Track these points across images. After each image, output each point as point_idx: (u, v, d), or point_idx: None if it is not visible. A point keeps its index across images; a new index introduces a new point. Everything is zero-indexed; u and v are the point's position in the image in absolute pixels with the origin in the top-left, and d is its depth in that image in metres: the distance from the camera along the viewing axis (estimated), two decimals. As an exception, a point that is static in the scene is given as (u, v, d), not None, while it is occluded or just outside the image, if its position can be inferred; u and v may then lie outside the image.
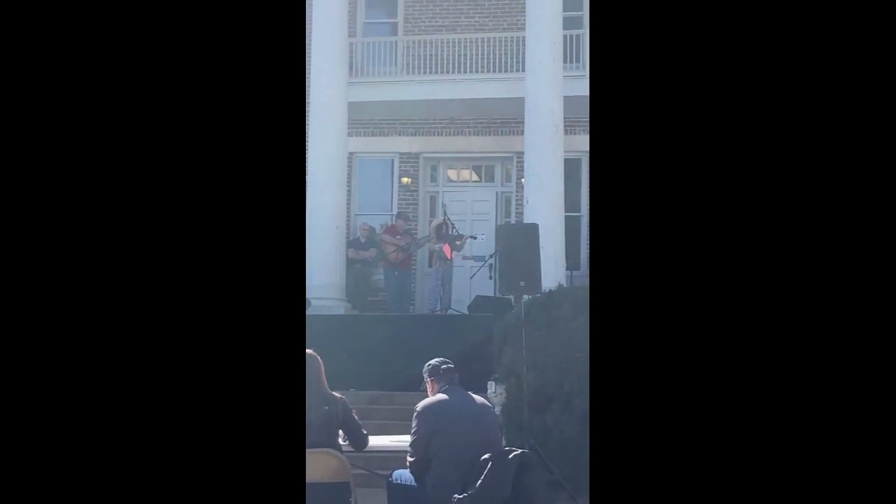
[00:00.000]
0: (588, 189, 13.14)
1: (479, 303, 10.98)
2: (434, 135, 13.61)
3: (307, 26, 10.60)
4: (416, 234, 12.89)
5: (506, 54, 12.58)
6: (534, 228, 8.28)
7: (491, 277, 11.29)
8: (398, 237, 12.25)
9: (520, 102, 11.01)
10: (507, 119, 12.95)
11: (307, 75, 10.68)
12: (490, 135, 13.48)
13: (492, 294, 11.07)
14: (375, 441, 5.98)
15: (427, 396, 5.18)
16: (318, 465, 4.57)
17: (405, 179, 13.77)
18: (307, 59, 10.66)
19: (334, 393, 5.38)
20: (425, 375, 5.25)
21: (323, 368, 5.09)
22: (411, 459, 5.02)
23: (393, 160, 13.84)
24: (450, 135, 13.58)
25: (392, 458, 6.16)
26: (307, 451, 3.81)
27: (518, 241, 7.98)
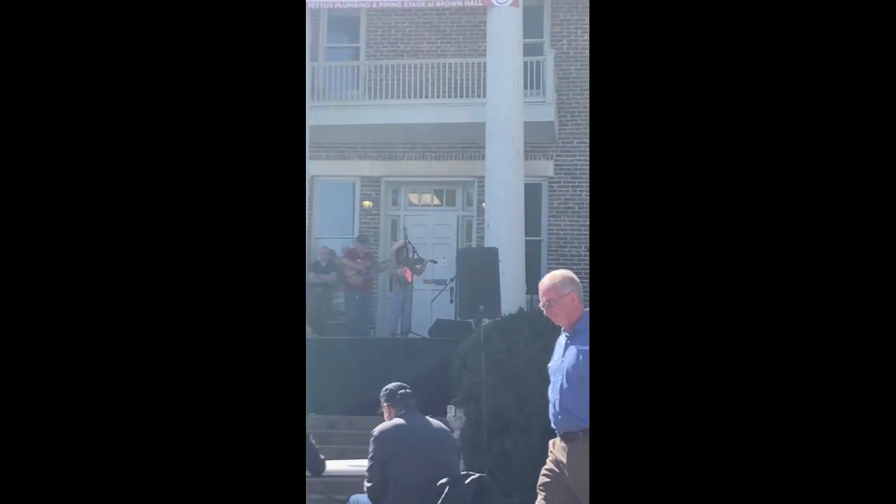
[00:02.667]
0: (548, 214, 13.27)
1: (440, 326, 10.99)
2: (396, 159, 13.65)
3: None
4: (376, 257, 12.89)
5: (467, 79, 12.67)
6: (494, 253, 8.33)
7: (451, 301, 11.31)
8: (359, 261, 12.23)
9: (481, 127, 11.10)
10: (468, 144, 13.03)
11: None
12: (451, 159, 13.54)
13: (452, 318, 11.09)
14: (334, 466, 5.95)
15: (385, 421, 5.17)
16: (275, 491, 4.53)
17: (366, 203, 13.78)
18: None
19: (292, 417, 5.34)
20: (382, 400, 5.24)
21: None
22: (368, 485, 5.00)
23: (354, 184, 13.85)
24: (411, 159, 13.63)
25: (350, 482, 6.12)
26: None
27: (478, 266, 8.02)
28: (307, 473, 5.44)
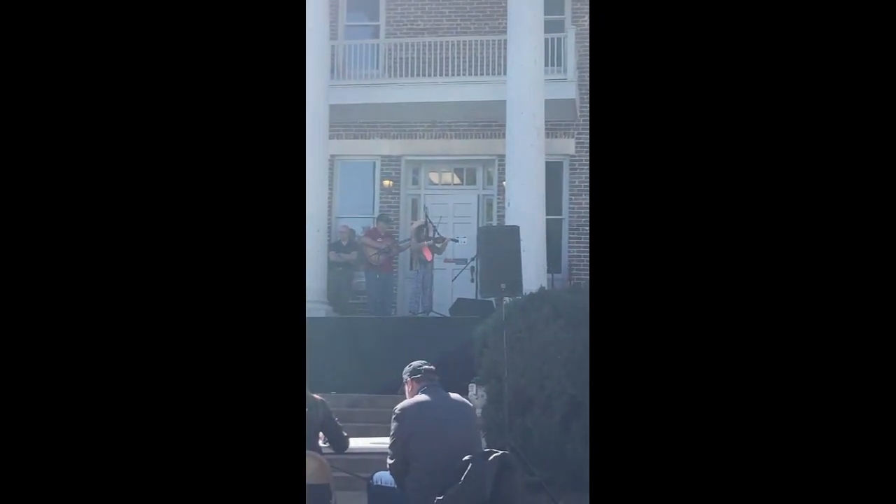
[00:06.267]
0: (569, 192, 13.21)
1: (461, 305, 10.99)
2: (416, 137, 13.62)
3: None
4: (397, 236, 12.88)
5: (487, 57, 12.60)
6: (515, 231, 8.29)
7: (472, 280, 11.30)
8: (379, 240, 12.24)
9: (501, 105, 11.04)
10: (488, 122, 12.98)
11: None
12: (472, 137, 13.50)
13: (473, 297, 11.08)
14: (356, 443, 5.98)
15: (406, 398, 5.18)
16: (298, 468, 4.56)
17: (387, 182, 13.77)
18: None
19: (314, 395, 5.37)
20: (405, 377, 5.25)
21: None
22: (391, 461, 5.01)
23: (375, 163, 13.84)
24: (431, 137, 13.60)
25: (373, 460, 6.15)
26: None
27: (499, 244, 7.99)
28: (331, 451, 5.47)
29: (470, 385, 8.18)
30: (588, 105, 13.05)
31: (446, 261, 12.50)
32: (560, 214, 13.05)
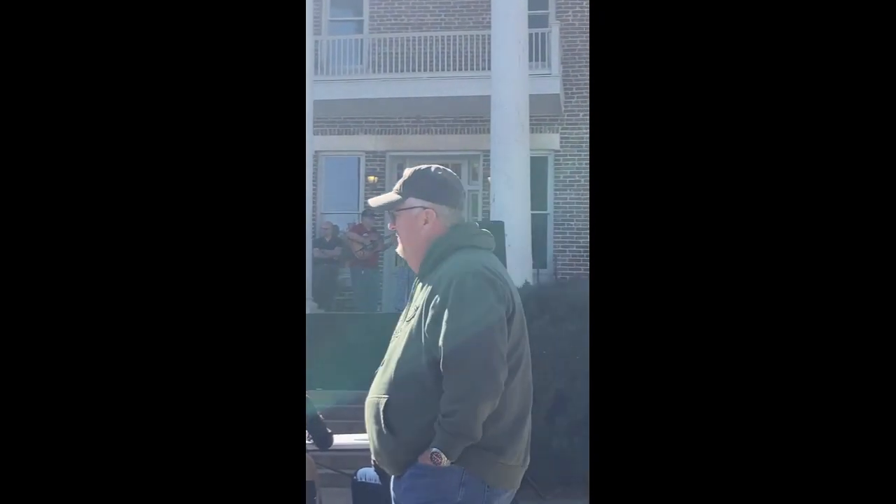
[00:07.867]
0: (554, 187, 13.22)
1: (446, 301, 10.98)
2: (400, 133, 13.60)
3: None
4: (382, 232, 12.87)
5: (472, 52, 12.59)
6: (500, 227, 8.28)
7: (458, 276, 11.28)
8: (365, 235, 12.22)
9: (486, 100, 11.03)
10: (473, 117, 12.97)
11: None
12: (456, 133, 13.49)
13: (458, 292, 11.07)
14: (341, 440, 5.95)
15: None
16: (282, 465, 4.53)
17: (372, 178, 13.75)
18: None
19: (299, 392, 5.35)
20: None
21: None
22: (375, 458, 4.99)
23: (359, 159, 13.81)
24: (416, 133, 13.58)
25: (358, 457, 6.12)
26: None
27: (484, 239, 7.98)
28: (315, 448, 5.45)
29: (455, 381, 8.15)
30: (572, 100, 13.07)
31: (432, 256, 12.49)
32: (545, 210, 13.06)
